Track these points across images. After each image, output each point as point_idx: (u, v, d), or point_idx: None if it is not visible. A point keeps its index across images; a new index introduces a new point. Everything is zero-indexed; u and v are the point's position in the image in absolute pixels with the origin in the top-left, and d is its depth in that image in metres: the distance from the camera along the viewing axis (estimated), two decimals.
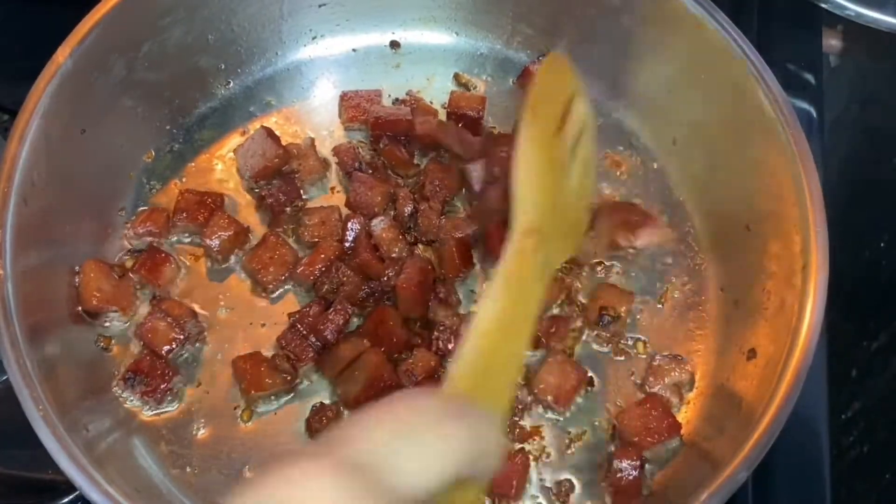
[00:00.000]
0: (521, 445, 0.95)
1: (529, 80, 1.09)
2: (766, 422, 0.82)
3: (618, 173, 1.10)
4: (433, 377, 0.94)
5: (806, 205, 0.91)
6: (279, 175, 1.05)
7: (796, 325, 0.87)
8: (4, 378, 0.90)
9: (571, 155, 0.85)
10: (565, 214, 0.85)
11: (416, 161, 1.08)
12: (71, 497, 0.91)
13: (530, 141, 0.81)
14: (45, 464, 0.84)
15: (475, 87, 1.14)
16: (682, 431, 0.95)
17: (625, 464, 0.92)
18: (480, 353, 0.71)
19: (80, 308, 0.95)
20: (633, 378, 0.99)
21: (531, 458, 0.94)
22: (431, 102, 1.12)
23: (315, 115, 1.12)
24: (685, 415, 0.98)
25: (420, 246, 1.03)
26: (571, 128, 0.85)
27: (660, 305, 1.03)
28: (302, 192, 1.05)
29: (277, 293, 1.01)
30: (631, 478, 0.91)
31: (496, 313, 0.73)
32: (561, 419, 0.97)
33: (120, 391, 0.94)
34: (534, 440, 0.96)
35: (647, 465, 0.94)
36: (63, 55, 0.92)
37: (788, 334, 0.87)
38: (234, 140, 1.08)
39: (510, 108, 1.13)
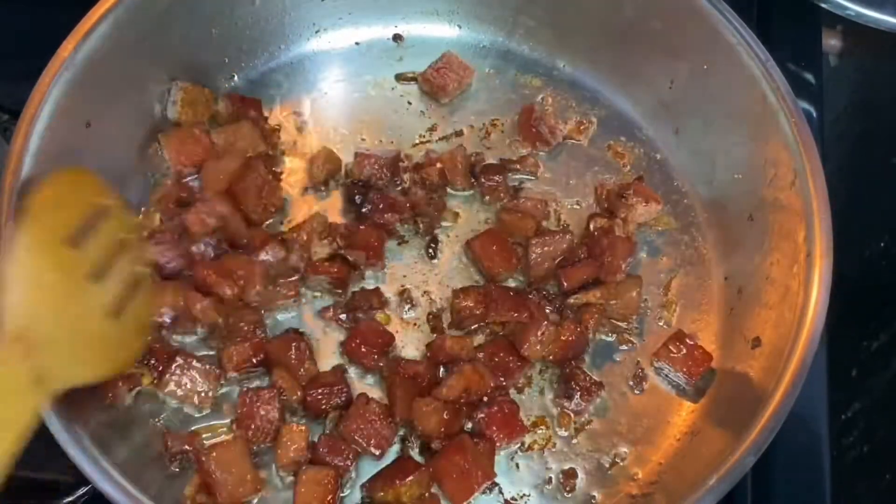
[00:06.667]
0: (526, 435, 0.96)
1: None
2: (772, 407, 0.83)
3: (621, 164, 1.10)
4: None
5: (809, 193, 0.92)
6: None
7: (801, 312, 0.87)
8: None
9: (106, 274, 0.79)
10: (82, 333, 0.79)
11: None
12: (72, 497, 0.91)
13: (27, 248, 0.75)
14: (46, 464, 0.84)
15: None
16: (687, 421, 0.96)
17: None
18: None
19: None
20: (638, 365, 1.00)
21: (538, 446, 0.95)
22: None
23: (318, 108, 1.12)
24: (690, 405, 0.98)
25: None
26: (101, 244, 0.79)
27: (665, 295, 1.04)
28: None
29: None
30: None
31: None
32: (569, 406, 0.97)
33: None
34: (540, 429, 0.96)
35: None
36: (68, 49, 0.92)
37: (794, 321, 0.88)
38: None
39: (513, 100, 1.13)
